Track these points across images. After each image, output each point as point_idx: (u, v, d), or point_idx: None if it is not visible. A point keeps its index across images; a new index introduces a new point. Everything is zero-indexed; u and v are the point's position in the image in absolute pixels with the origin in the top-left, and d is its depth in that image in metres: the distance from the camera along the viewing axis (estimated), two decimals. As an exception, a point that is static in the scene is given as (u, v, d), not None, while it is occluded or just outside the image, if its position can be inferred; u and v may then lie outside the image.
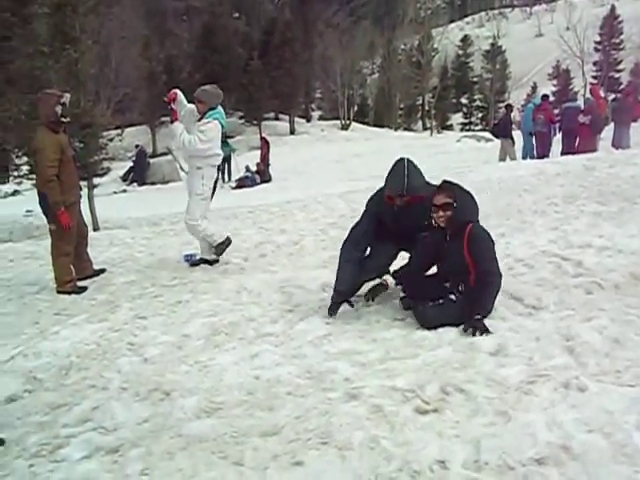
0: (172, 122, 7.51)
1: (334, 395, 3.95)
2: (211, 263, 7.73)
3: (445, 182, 5.30)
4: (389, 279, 5.58)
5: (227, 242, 7.74)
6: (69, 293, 7.05)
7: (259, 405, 3.96)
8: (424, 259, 5.48)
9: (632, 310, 4.81)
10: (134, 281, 7.39)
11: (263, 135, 35.35)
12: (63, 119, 7.12)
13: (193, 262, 7.78)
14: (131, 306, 6.37)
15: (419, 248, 5.48)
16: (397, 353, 4.50)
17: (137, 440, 3.70)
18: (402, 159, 5.58)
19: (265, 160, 27.56)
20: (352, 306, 5.58)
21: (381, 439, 3.36)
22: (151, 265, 8.13)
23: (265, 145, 28.98)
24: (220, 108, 7.66)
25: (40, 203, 7.25)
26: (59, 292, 7.12)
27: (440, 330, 4.81)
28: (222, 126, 7.63)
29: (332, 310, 5.48)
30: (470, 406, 3.65)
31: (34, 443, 3.80)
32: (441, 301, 5.16)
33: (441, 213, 5.07)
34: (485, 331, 4.65)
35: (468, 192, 5.25)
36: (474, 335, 4.63)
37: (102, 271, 7.88)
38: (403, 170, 5.45)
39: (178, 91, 7.68)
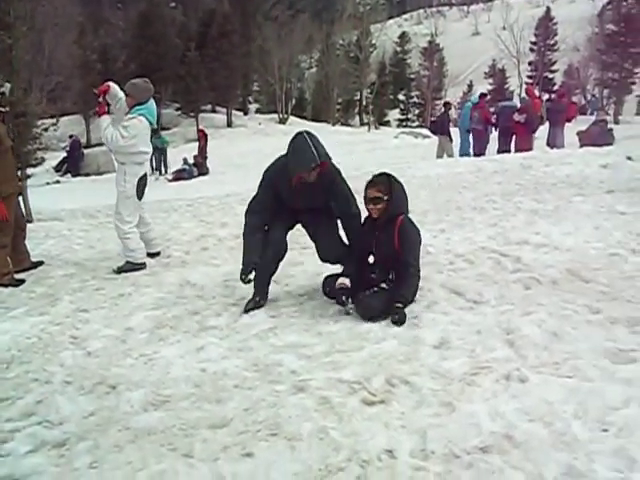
0: (99, 115, 7.27)
1: (281, 387, 3.99)
2: (137, 268, 7.32)
3: (379, 175, 5.45)
4: (345, 281, 5.49)
5: (138, 268, 7.31)
6: (6, 286, 6.88)
7: (207, 398, 3.97)
8: (365, 251, 5.59)
9: (569, 305, 4.98)
10: (74, 274, 7.26)
11: (201, 127, 35.12)
12: (1, 109, 6.96)
13: (121, 270, 7.25)
14: (72, 299, 6.26)
15: (358, 242, 5.57)
16: (343, 346, 4.55)
17: (84, 434, 3.66)
18: (301, 133, 5.45)
19: (203, 153, 27.40)
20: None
21: (329, 430, 3.41)
22: (91, 258, 8.02)
23: (203, 137, 28.82)
24: (151, 102, 7.42)
25: None
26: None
27: (384, 323, 4.90)
28: (150, 122, 7.36)
29: (246, 278, 5.54)
30: (415, 397, 3.73)
31: (-24, 438, 3.73)
32: (375, 289, 5.23)
33: (372, 206, 5.29)
34: (402, 322, 4.87)
35: (400, 184, 5.40)
36: (394, 323, 4.86)
37: (40, 264, 7.74)
38: (308, 142, 5.30)
39: (112, 84, 7.43)
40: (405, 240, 5.19)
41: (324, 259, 5.86)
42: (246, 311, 5.48)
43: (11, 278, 7.01)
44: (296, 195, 5.58)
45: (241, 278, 5.53)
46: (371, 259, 5.61)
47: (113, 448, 3.48)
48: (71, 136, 32.65)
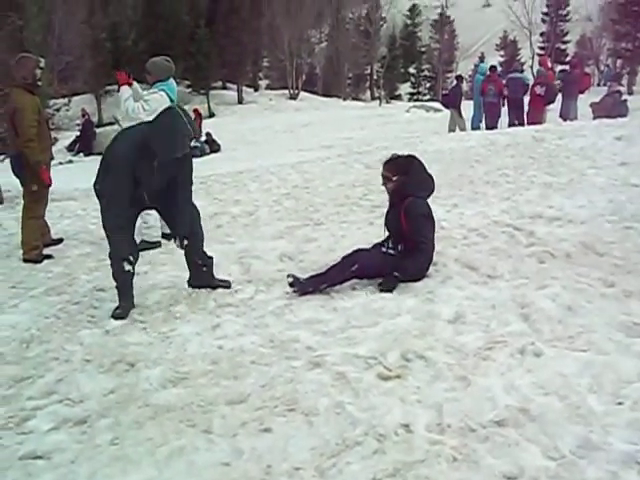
0: (120, 85, 7.29)
1: (298, 363, 4.04)
2: (152, 247, 7.32)
3: (397, 157, 5.66)
4: None
5: (154, 246, 7.33)
6: (35, 262, 6.99)
7: (224, 374, 4.02)
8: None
9: (583, 278, 4.98)
10: (90, 253, 7.31)
11: (195, 107, 35.02)
12: (39, 82, 7.14)
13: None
14: (89, 278, 6.32)
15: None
16: (358, 322, 4.60)
17: (104, 411, 3.72)
18: (172, 107, 5.29)
19: (198, 132, 27.35)
20: None
21: (346, 405, 3.46)
22: (104, 236, 8.01)
23: (198, 117, 28.80)
24: (171, 81, 7.42)
25: (14, 165, 7.23)
26: (25, 260, 7.05)
27: (399, 298, 4.94)
28: (171, 100, 7.24)
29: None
30: (431, 372, 3.77)
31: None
32: (384, 248, 5.51)
33: (384, 182, 5.66)
34: (388, 290, 5.11)
35: (419, 166, 5.60)
36: (381, 291, 5.12)
37: (60, 241, 7.83)
38: (183, 119, 5.07)
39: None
40: (411, 220, 5.36)
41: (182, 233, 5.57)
42: (115, 317, 5.17)
43: (39, 254, 7.12)
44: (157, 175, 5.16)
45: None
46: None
47: (133, 425, 3.54)
48: (84, 115, 32.47)
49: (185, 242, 5.53)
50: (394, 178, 5.50)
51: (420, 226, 5.39)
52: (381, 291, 5.11)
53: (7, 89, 7.29)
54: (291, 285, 5.33)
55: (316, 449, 3.15)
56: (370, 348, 4.10)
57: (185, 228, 5.53)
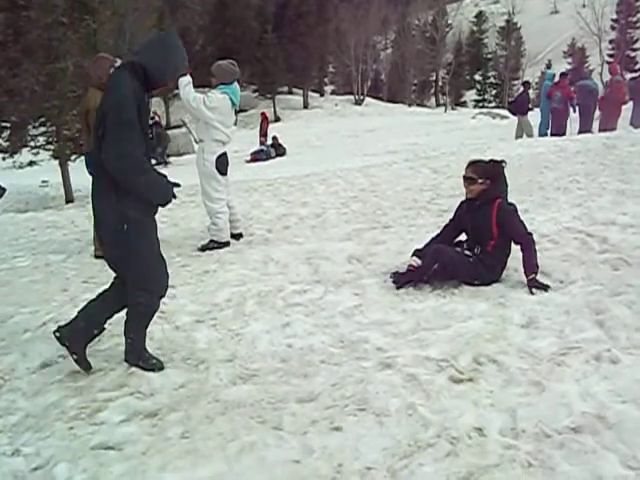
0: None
1: (368, 364, 4.02)
2: (221, 246, 7.39)
3: (484, 160, 5.66)
4: (414, 260, 5.56)
5: (221, 246, 7.36)
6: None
7: (294, 373, 4.02)
8: (456, 230, 5.74)
9: (660, 286, 4.84)
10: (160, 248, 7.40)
11: (262, 111, 35.41)
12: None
13: (206, 247, 7.34)
14: (158, 274, 6.40)
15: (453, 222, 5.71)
16: (428, 324, 4.56)
17: (175, 405, 3.75)
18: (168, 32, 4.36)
19: (265, 135, 27.80)
20: None
21: (418, 406, 3.42)
22: (175, 235, 8.16)
23: (265, 120, 29.15)
24: (235, 85, 7.45)
25: (88, 163, 7.17)
26: (97, 257, 7.13)
27: (470, 302, 4.89)
28: (233, 103, 7.36)
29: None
30: (503, 376, 3.71)
31: (72, 407, 3.83)
32: (459, 249, 5.48)
33: (465, 185, 5.55)
34: (544, 288, 5.02)
35: (502, 170, 5.55)
36: (533, 293, 4.98)
37: None
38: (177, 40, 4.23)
39: None
40: (506, 220, 5.33)
41: None
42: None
43: None
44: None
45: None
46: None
47: (204, 419, 3.56)
48: (153, 117, 32.89)
49: None
50: (479, 181, 5.41)
51: (520, 223, 5.39)
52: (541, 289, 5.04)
53: (81, 90, 7.33)
54: (395, 282, 5.42)
55: (388, 450, 3.12)
56: (441, 351, 4.07)
57: None
